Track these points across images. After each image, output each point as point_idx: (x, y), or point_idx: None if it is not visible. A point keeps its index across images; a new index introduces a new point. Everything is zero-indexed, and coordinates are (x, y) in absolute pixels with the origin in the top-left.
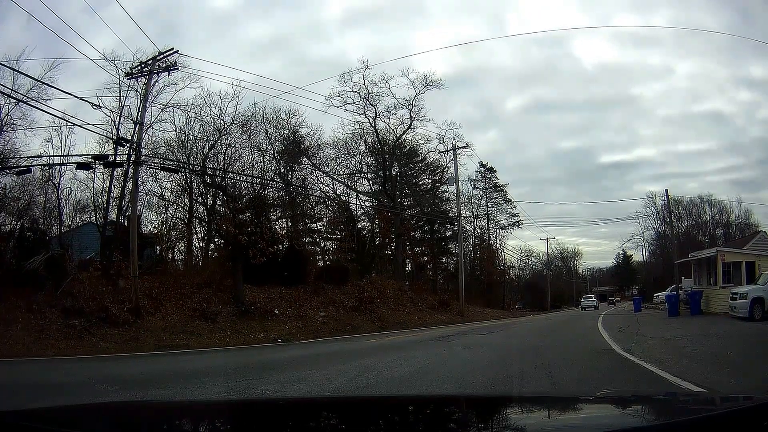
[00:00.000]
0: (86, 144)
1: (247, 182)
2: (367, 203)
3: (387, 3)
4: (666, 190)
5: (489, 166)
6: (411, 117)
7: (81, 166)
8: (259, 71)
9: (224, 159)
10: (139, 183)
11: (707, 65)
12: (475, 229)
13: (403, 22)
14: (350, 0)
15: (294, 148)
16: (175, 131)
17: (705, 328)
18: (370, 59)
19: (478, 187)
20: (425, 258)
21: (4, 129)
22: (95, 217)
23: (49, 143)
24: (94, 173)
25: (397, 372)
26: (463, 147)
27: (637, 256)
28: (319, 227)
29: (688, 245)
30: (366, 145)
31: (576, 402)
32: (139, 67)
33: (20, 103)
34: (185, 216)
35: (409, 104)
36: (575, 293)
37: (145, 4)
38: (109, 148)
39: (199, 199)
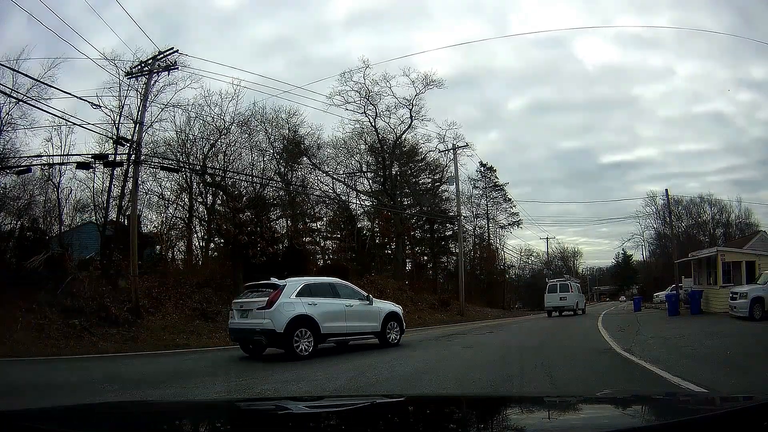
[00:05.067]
0: (86, 144)
1: (247, 182)
2: (367, 203)
3: (390, 4)
4: (666, 190)
5: (489, 165)
6: (411, 116)
7: (81, 165)
8: (262, 71)
9: (224, 158)
10: (139, 182)
11: (708, 66)
12: (475, 229)
13: (405, 22)
14: (354, 1)
15: (294, 147)
16: (175, 131)
17: (705, 327)
18: (372, 59)
19: (478, 187)
20: (425, 257)
21: (4, 129)
22: (95, 216)
23: (49, 143)
24: (94, 173)
25: (397, 371)
26: (464, 147)
27: (637, 255)
28: (319, 227)
29: (688, 245)
30: (366, 144)
31: (576, 402)
32: (139, 67)
33: (20, 103)
34: (185, 215)
35: (410, 104)
36: None
37: (149, 3)
38: (109, 148)
39: (199, 199)
